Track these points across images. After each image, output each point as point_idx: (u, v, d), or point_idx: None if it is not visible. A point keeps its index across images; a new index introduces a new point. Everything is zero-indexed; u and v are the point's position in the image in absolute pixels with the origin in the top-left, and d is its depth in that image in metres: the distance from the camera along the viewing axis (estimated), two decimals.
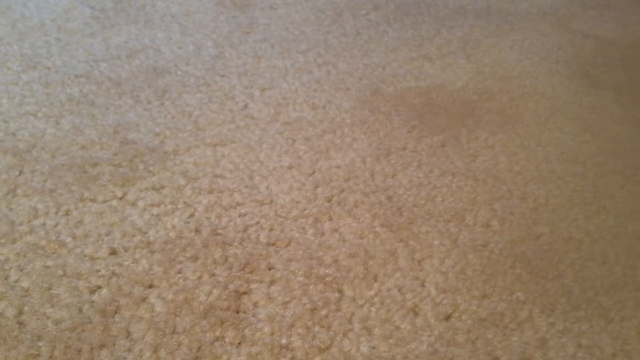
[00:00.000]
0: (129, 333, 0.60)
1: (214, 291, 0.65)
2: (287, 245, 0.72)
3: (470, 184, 0.84)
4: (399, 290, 0.68)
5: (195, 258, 0.69)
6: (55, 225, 0.72)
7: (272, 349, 0.61)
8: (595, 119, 1.01)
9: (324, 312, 0.65)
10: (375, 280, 0.69)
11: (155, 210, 0.74)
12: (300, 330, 0.63)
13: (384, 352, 0.62)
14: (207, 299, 0.64)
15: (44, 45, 1.04)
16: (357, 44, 1.12)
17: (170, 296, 0.64)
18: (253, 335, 0.62)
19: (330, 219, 0.76)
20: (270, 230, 0.73)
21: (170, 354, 0.59)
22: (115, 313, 0.62)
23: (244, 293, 0.66)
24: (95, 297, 0.63)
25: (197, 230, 0.72)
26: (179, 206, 0.75)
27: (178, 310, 0.63)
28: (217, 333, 0.61)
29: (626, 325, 0.67)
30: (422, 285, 0.69)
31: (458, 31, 1.20)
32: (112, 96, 0.93)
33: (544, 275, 0.72)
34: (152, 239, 0.70)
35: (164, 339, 0.60)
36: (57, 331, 0.60)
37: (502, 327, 0.65)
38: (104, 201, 0.76)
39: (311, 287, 0.67)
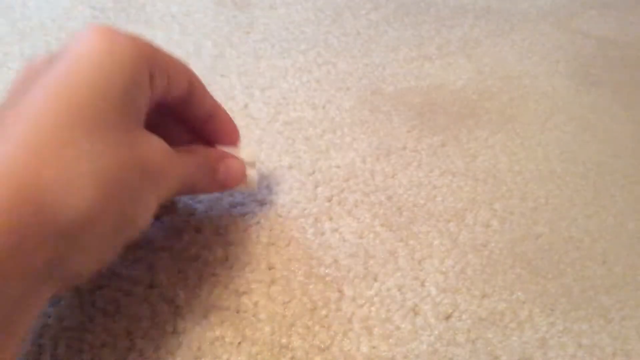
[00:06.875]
0: (129, 333, 0.60)
1: (214, 291, 0.65)
2: (287, 245, 0.72)
3: (470, 184, 0.84)
4: (399, 290, 0.68)
5: (195, 258, 0.69)
6: None
7: (272, 349, 0.60)
8: (596, 118, 1.01)
9: (324, 312, 0.65)
10: (375, 280, 0.69)
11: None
12: (300, 330, 0.62)
13: (384, 351, 0.62)
14: (207, 298, 0.64)
15: (44, 45, 1.04)
16: (357, 44, 1.12)
17: (170, 296, 0.64)
18: (253, 334, 0.62)
19: (330, 219, 0.76)
20: (270, 230, 0.73)
21: (171, 353, 0.59)
22: (115, 313, 0.62)
23: (244, 293, 0.66)
24: (95, 296, 0.63)
25: (197, 230, 0.72)
26: (179, 205, 0.75)
27: (178, 310, 0.63)
28: (217, 333, 0.61)
29: (626, 325, 0.67)
30: (422, 285, 0.69)
31: (458, 31, 1.20)
32: None
33: (544, 275, 0.72)
34: (152, 238, 0.70)
35: (164, 339, 0.60)
36: (58, 330, 0.60)
37: (502, 327, 0.65)
38: None
39: (311, 286, 0.67)
